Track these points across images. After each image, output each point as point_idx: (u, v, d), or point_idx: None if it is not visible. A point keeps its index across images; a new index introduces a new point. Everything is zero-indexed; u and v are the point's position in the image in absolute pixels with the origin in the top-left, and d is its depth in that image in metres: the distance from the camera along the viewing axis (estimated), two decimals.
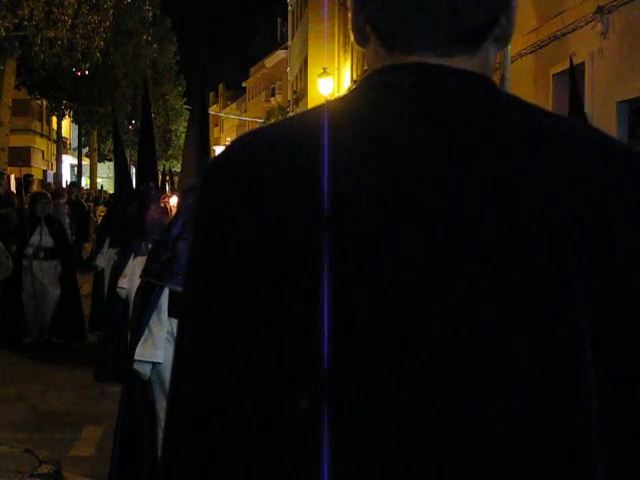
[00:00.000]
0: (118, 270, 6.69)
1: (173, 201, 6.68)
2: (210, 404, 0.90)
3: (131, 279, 5.59)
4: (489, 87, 0.94)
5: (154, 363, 4.05)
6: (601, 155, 0.90)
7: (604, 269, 0.85)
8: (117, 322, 6.87)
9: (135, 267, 5.49)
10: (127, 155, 15.27)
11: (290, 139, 0.93)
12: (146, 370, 4.07)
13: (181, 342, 0.95)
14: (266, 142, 0.94)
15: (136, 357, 4.05)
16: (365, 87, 0.96)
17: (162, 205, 6.74)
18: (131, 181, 8.96)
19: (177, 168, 27.05)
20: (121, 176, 9.14)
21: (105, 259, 8.65)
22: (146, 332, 4.06)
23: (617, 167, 0.90)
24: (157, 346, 4.03)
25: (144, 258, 4.68)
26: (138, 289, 4.45)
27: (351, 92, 0.97)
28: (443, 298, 0.85)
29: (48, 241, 9.70)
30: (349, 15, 0.98)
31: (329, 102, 0.98)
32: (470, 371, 0.84)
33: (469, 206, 0.86)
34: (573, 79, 5.35)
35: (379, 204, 0.87)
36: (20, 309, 9.57)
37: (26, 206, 10.21)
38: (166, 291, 4.04)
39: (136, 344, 4.05)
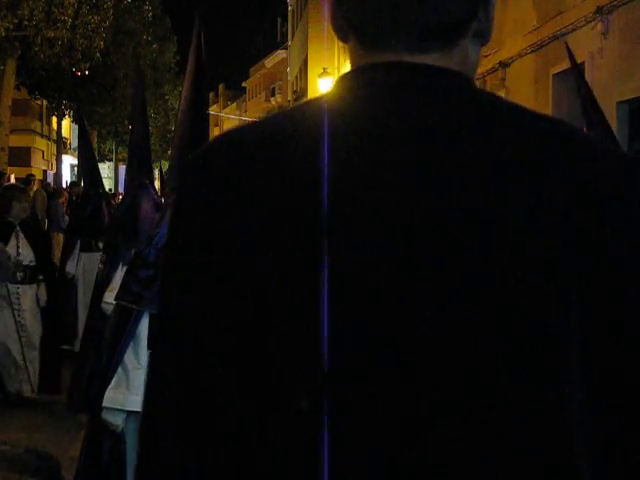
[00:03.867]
0: (103, 282, 5.63)
1: None
2: (205, 412, 0.89)
3: None
4: (466, 85, 0.94)
5: (129, 412, 3.18)
6: (585, 154, 0.90)
7: (594, 266, 0.85)
8: (99, 343, 5.50)
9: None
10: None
11: (274, 138, 0.92)
12: (117, 421, 3.22)
13: (164, 352, 0.94)
14: (248, 140, 0.94)
15: (105, 404, 3.22)
16: (345, 86, 0.95)
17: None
18: (101, 177, 8.24)
19: None
20: (90, 171, 8.13)
21: (75, 264, 7.59)
22: (119, 371, 3.21)
23: (600, 166, 0.89)
24: (132, 389, 3.17)
25: None
26: (113, 311, 3.59)
27: (333, 91, 0.96)
28: (435, 297, 0.85)
29: (27, 255, 6.85)
30: (330, 13, 0.98)
31: (311, 100, 0.98)
32: (470, 371, 0.84)
33: (454, 206, 0.86)
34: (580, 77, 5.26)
35: (368, 205, 0.87)
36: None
37: None
38: (146, 317, 3.20)
39: (105, 385, 3.22)
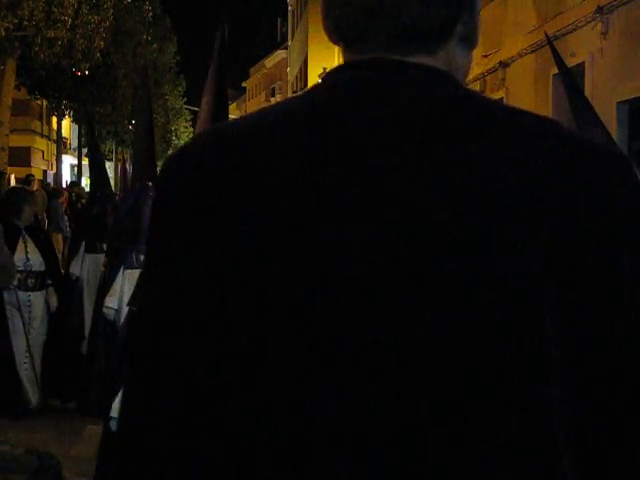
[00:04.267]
0: (105, 285, 5.57)
1: None
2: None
3: (122, 297, 4.88)
4: (449, 83, 0.93)
5: None
6: (567, 152, 0.89)
7: (571, 265, 0.85)
8: (104, 347, 5.71)
9: (125, 283, 4.83)
10: (129, 155, 15.22)
11: (256, 133, 0.92)
12: None
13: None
14: (229, 137, 0.93)
15: (113, 414, 3.23)
16: (327, 84, 0.96)
17: None
18: (108, 178, 8.23)
19: None
20: (96, 172, 8.06)
21: (80, 265, 7.38)
22: None
23: (582, 164, 0.89)
24: None
25: (136, 272, 4.03)
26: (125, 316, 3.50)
27: (314, 88, 0.97)
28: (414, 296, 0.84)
29: (37, 261, 6.44)
30: (322, 15, 0.98)
31: (292, 98, 0.99)
32: (456, 372, 0.84)
33: (432, 205, 0.86)
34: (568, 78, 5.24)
35: (349, 200, 0.86)
36: (12, 366, 6.33)
37: None
38: None
39: (114, 394, 3.20)
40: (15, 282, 6.19)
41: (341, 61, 0.98)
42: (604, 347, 0.86)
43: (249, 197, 0.87)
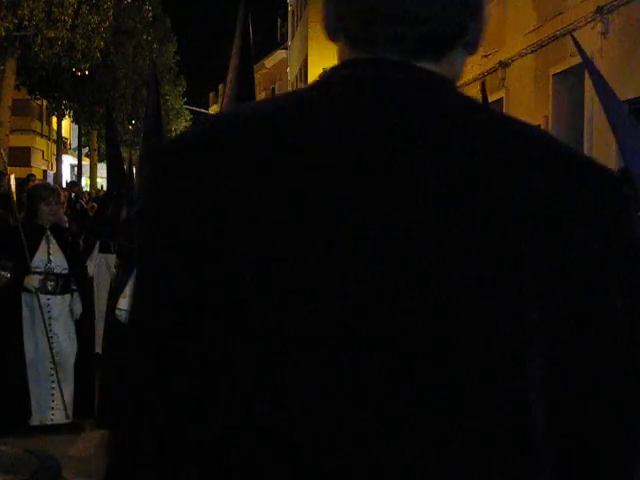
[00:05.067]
0: (118, 287, 5.35)
1: None
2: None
3: None
4: (447, 86, 0.94)
5: None
6: (559, 163, 0.90)
7: (553, 270, 0.85)
8: (117, 353, 5.18)
9: None
10: (129, 155, 15.19)
11: (250, 127, 0.91)
12: None
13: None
14: (221, 131, 0.93)
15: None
16: (324, 80, 0.96)
17: None
18: (125, 176, 8.09)
19: None
20: (114, 170, 7.95)
21: (95, 265, 7.31)
22: None
23: (571, 173, 0.89)
24: None
25: None
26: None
27: (312, 84, 0.96)
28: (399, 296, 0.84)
29: (59, 263, 5.99)
30: (323, 11, 0.98)
31: (289, 93, 1.00)
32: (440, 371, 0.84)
33: (418, 205, 0.86)
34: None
35: (345, 196, 0.86)
36: (23, 379, 5.78)
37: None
38: None
39: None
40: (37, 284, 5.84)
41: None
42: (582, 349, 0.86)
43: (237, 195, 0.87)
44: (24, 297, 5.85)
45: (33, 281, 5.85)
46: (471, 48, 0.98)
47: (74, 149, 41.93)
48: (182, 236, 0.88)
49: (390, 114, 0.90)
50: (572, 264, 0.86)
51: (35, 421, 5.87)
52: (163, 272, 0.89)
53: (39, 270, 5.89)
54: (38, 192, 6.14)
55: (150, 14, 31.23)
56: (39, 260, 5.90)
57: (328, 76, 0.96)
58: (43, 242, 5.97)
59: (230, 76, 4.47)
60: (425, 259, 0.84)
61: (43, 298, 5.86)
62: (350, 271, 0.85)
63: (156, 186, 0.93)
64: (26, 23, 18.66)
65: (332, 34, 0.98)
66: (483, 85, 7.49)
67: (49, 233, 6.00)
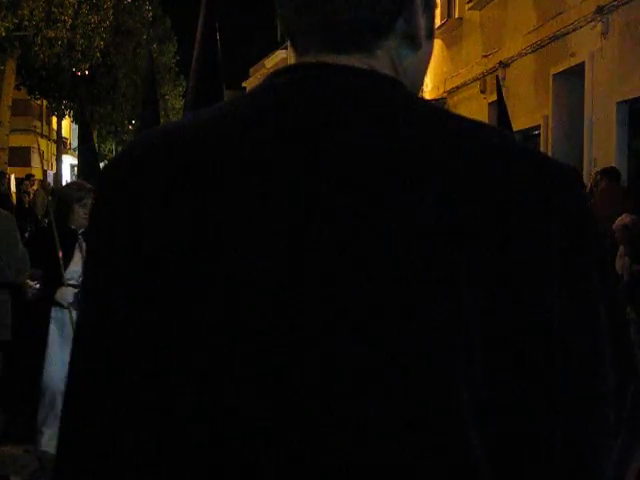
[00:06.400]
0: None
1: None
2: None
3: None
4: (388, 86, 0.91)
5: None
6: (508, 159, 0.87)
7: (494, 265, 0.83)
8: None
9: None
10: None
11: (183, 138, 0.91)
12: None
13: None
14: (156, 143, 0.92)
15: None
16: (258, 88, 0.95)
17: None
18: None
19: None
20: (87, 165, 7.73)
21: None
22: None
23: (518, 171, 0.86)
24: None
25: None
26: None
27: (252, 91, 0.96)
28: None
29: None
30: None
31: (224, 103, 0.98)
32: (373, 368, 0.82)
33: (360, 207, 0.84)
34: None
35: (266, 205, 0.85)
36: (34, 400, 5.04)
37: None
38: None
39: None
40: (71, 299, 4.86)
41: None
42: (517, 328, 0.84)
43: (152, 216, 0.87)
44: (54, 312, 4.95)
45: (67, 295, 4.89)
46: (411, 42, 0.94)
47: (74, 149, 41.91)
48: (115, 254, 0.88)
49: (299, 115, 0.88)
50: (519, 264, 0.83)
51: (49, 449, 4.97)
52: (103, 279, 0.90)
53: (72, 282, 4.88)
54: (71, 192, 5.22)
55: (150, 14, 31.20)
56: (73, 271, 4.94)
57: (262, 85, 0.94)
58: (77, 250, 5.01)
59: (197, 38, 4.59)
60: (344, 269, 0.83)
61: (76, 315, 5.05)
62: (263, 289, 0.83)
63: (92, 209, 0.94)
64: (26, 23, 18.66)
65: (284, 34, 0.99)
66: (497, 79, 7.48)
67: (81, 239, 4.96)
